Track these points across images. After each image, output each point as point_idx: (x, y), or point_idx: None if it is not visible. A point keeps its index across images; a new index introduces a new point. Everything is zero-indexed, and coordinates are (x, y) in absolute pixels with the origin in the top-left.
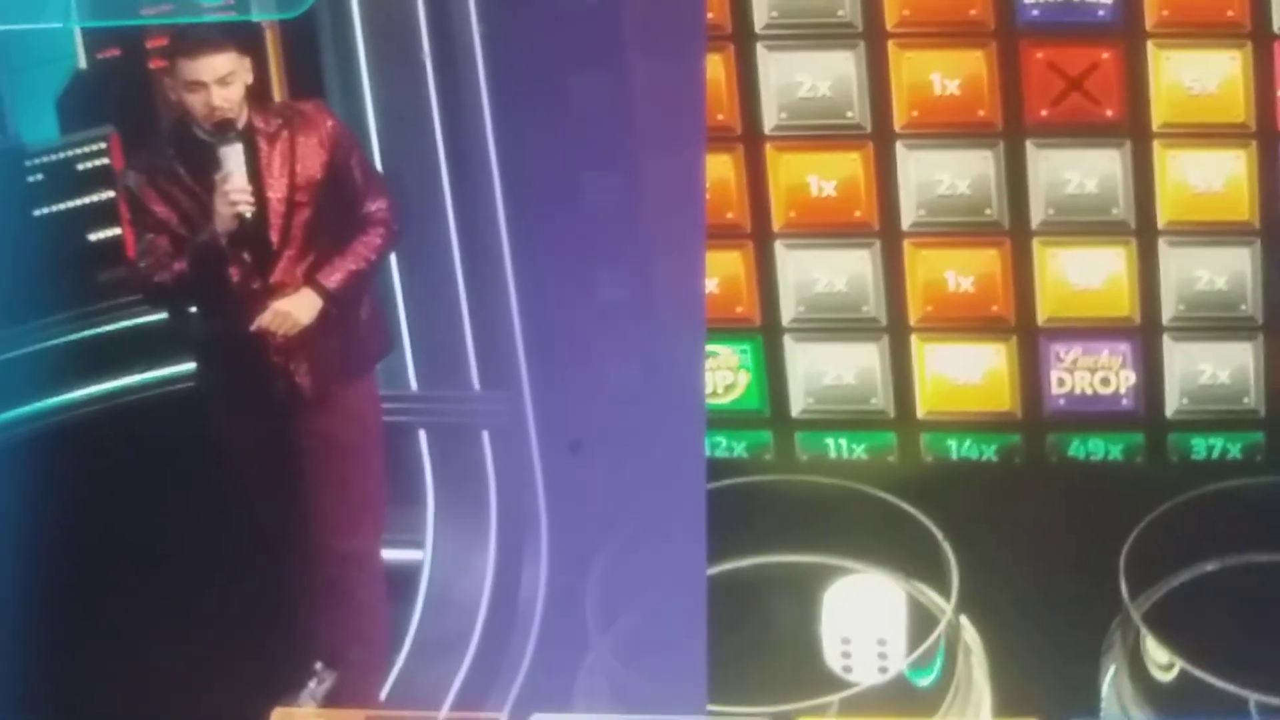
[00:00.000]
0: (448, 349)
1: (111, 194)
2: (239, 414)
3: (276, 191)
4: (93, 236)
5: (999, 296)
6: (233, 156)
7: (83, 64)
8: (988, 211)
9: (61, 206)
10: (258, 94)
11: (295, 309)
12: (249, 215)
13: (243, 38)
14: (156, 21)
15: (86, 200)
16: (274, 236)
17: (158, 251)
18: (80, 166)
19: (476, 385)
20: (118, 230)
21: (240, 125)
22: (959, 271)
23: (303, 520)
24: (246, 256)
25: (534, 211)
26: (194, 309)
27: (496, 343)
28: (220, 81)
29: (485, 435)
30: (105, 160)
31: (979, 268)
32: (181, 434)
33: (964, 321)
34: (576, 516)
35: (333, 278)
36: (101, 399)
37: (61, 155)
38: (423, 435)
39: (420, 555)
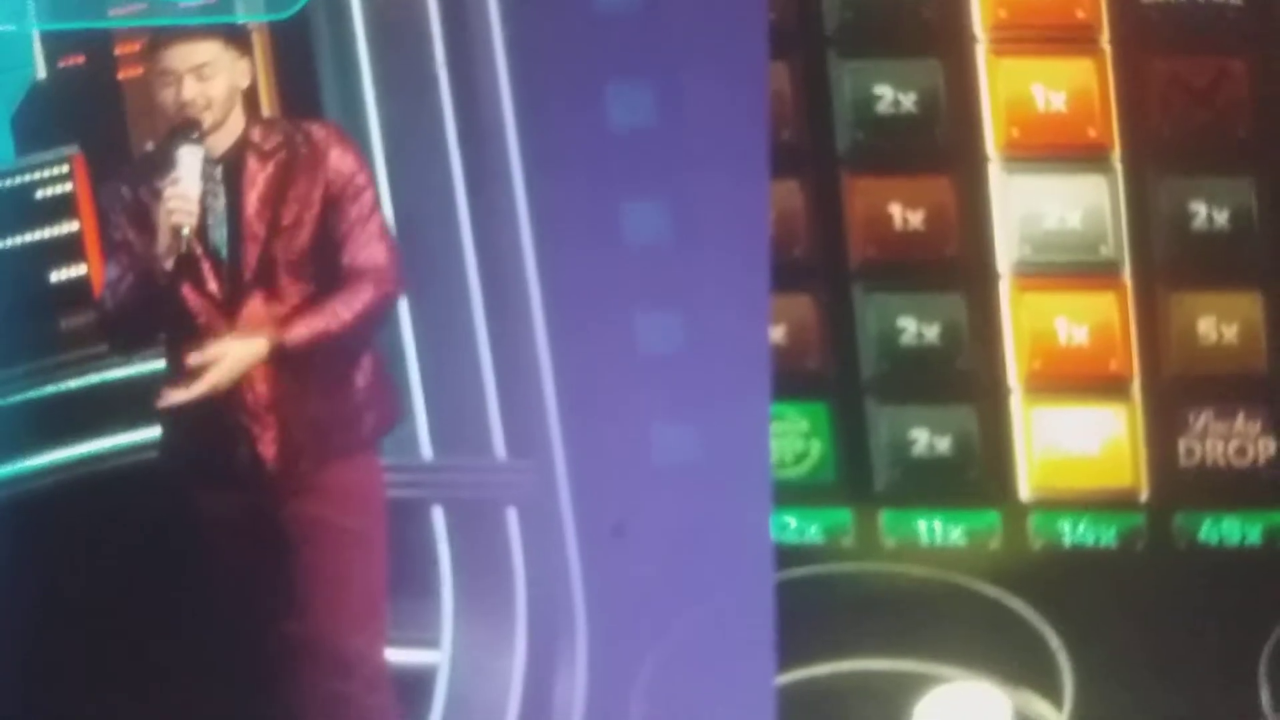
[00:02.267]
0: (466, 410)
1: (76, 226)
2: (208, 488)
3: (258, 218)
4: (54, 276)
5: (1117, 350)
6: (188, 160)
7: (42, 74)
8: (1102, 249)
9: (17, 241)
10: (253, 107)
11: (233, 355)
12: (187, 233)
13: (237, 32)
14: (126, 24)
15: (46, 233)
16: (247, 270)
17: (115, 277)
18: (39, 194)
19: (501, 454)
20: (83, 269)
21: (214, 133)
22: (1071, 319)
23: (290, 619)
24: (215, 289)
25: (567, 248)
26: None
27: (524, 403)
28: (195, 72)
29: (511, 512)
30: (68, 186)
31: (1094, 315)
32: (156, 512)
33: (1077, 380)
34: (620, 613)
35: (293, 332)
36: (62, 468)
37: (17, 180)
38: (438, 513)
39: (436, 657)
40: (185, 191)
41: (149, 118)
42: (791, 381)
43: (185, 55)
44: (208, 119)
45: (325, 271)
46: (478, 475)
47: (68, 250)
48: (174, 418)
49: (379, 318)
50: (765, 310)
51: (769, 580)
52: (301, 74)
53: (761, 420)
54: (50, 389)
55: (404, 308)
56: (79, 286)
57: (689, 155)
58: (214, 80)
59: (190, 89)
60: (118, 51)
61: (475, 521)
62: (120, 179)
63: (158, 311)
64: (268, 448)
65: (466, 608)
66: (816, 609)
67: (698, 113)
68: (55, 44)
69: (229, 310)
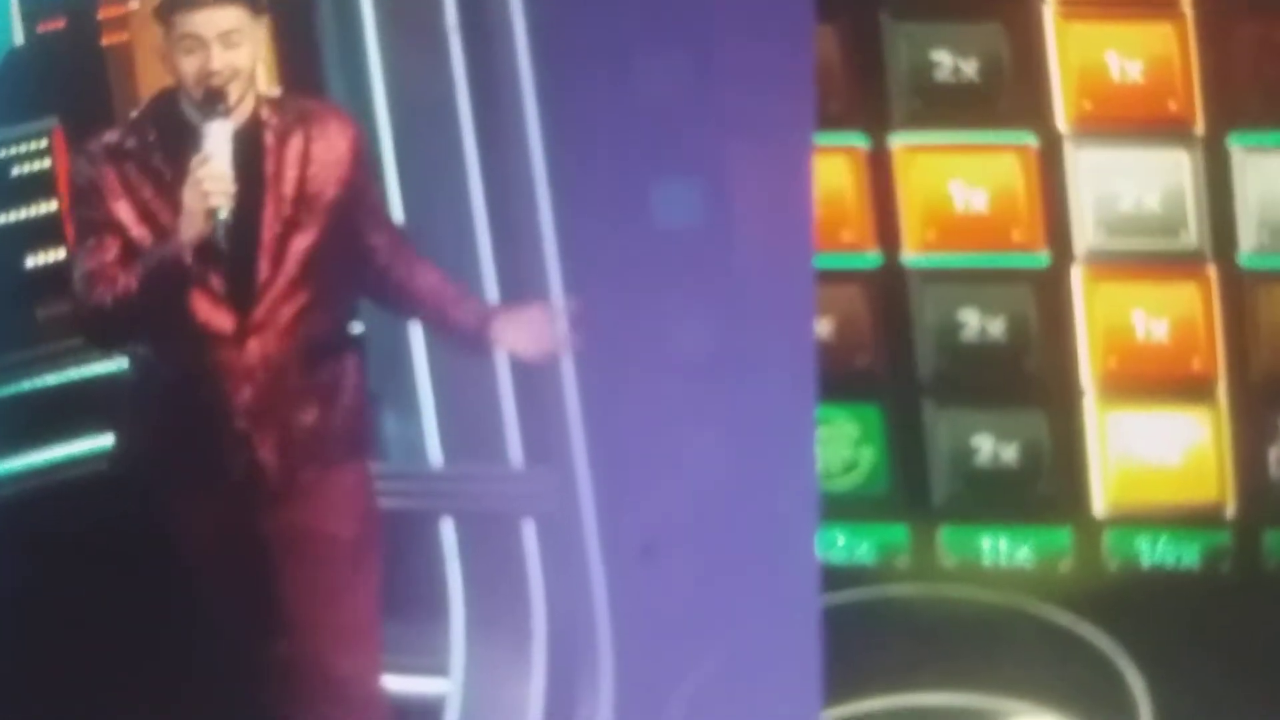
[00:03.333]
0: (479, 413)
1: (55, 206)
2: (191, 496)
3: (277, 204)
4: (30, 261)
5: (1200, 347)
6: (217, 135)
7: (19, 39)
8: (1183, 235)
9: None
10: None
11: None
12: (224, 216)
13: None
14: None
15: (23, 213)
16: (263, 262)
17: (102, 261)
18: (15, 170)
19: (517, 461)
20: (63, 253)
21: (237, 108)
22: (1150, 313)
23: (278, 638)
24: (218, 283)
25: (590, 234)
26: (139, 348)
27: (542, 405)
28: (223, 40)
29: (528, 526)
30: (47, 162)
31: (1174, 309)
32: (137, 521)
33: (1157, 381)
34: (648, 640)
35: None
36: (37, 472)
37: None
38: (447, 525)
39: (445, 686)
40: (219, 170)
41: (135, 85)
42: (839, 381)
43: (212, 20)
44: (234, 91)
45: (337, 262)
46: (491, 484)
47: (46, 232)
48: (157, 416)
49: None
50: (810, 302)
51: (815, 604)
52: (302, 38)
53: (806, 425)
54: (26, 385)
55: None
56: (58, 272)
57: (726, 129)
58: (241, 49)
59: (219, 58)
60: (101, 15)
61: (488, 535)
62: (101, 149)
63: (163, 308)
64: (268, 454)
65: (478, 631)
66: (867, 637)
67: (736, 81)
68: (34, 6)
69: (235, 310)
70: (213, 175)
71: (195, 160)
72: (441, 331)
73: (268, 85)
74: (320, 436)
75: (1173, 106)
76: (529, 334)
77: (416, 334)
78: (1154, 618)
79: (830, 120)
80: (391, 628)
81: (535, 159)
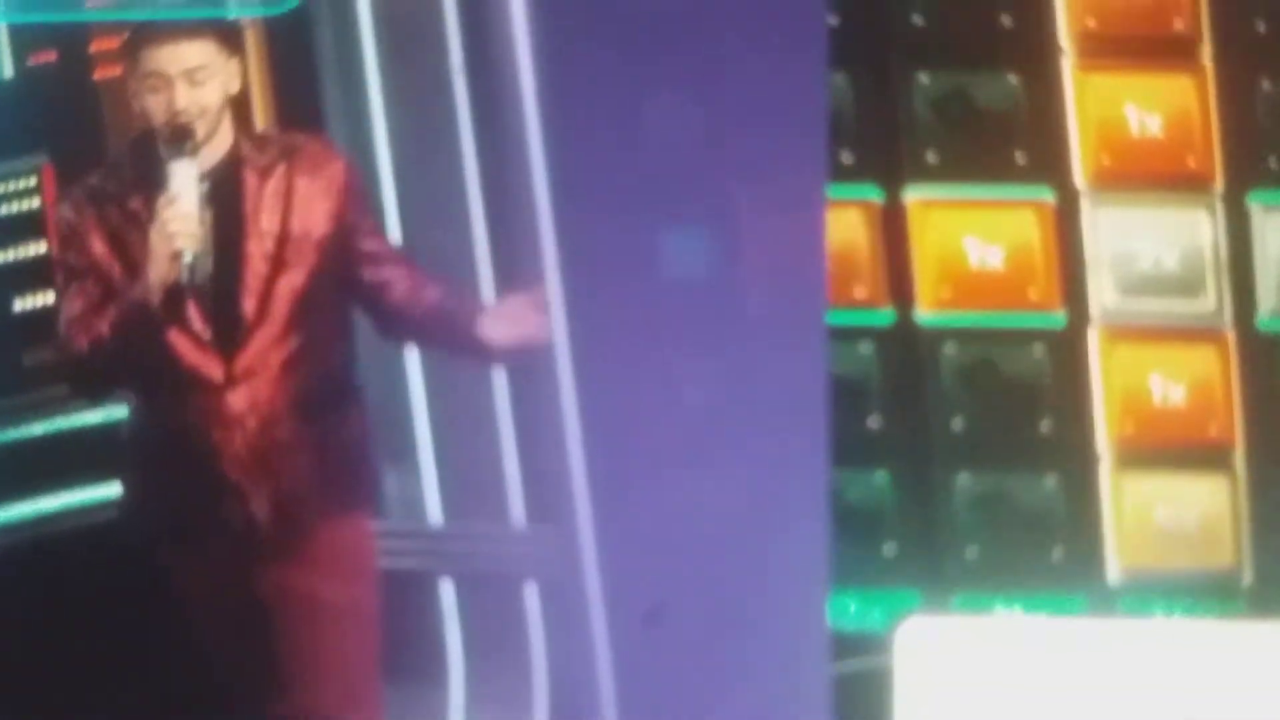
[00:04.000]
0: (480, 470)
1: (44, 248)
2: (186, 550)
3: (260, 244)
4: (18, 305)
5: (1218, 412)
6: (183, 175)
7: (8, 72)
8: (1201, 296)
9: None
10: (244, 117)
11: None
12: (189, 260)
13: (228, 30)
14: (106, 17)
15: (10, 255)
16: (247, 304)
17: (84, 308)
18: (2, 210)
19: (519, 520)
20: (52, 296)
21: (208, 144)
22: (1167, 376)
23: (274, 699)
24: (202, 328)
25: (597, 281)
26: (129, 396)
27: (545, 463)
28: (188, 77)
29: (530, 587)
30: (36, 201)
31: (1192, 372)
32: (127, 578)
33: (1174, 446)
34: (653, 706)
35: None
36: (22, 525)
37: None
38: (446, 586)
39: None
40: (185, 210)
41: (128, 123)
42: (850, 442)
43: (177, 57)
44: (201, 129)
45: (330, 303)
46: (492, 544)
47: (34, 275)
48: (151, 471)
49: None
50: (822, 359)
51: (825, 673)
52: (300, 78)
53: (817, 486)
54: (10, 435)
55: (413, 355)
56: (48, 317)
57: (736, 179)
58: (208, 86)
59: (184, 96)
60: (93, 49)
61: (489, 597)
62: (84, 192)
63: (137, 353)
64: (261, 507)
65: (479, 696)
66: (879, 706)
67: (746, 130)
68: (24, 39)
69: (222, 353)
70: (177, 216)
71: (161, 201)
72: (449, 352)
73: (262, 123)
74: (318, 489)
75: (1191, 163)
76: (514, 324)
77: (417, 388)
78: None
79: (843, 172)
80: (389, 691)
81: (541, 206)
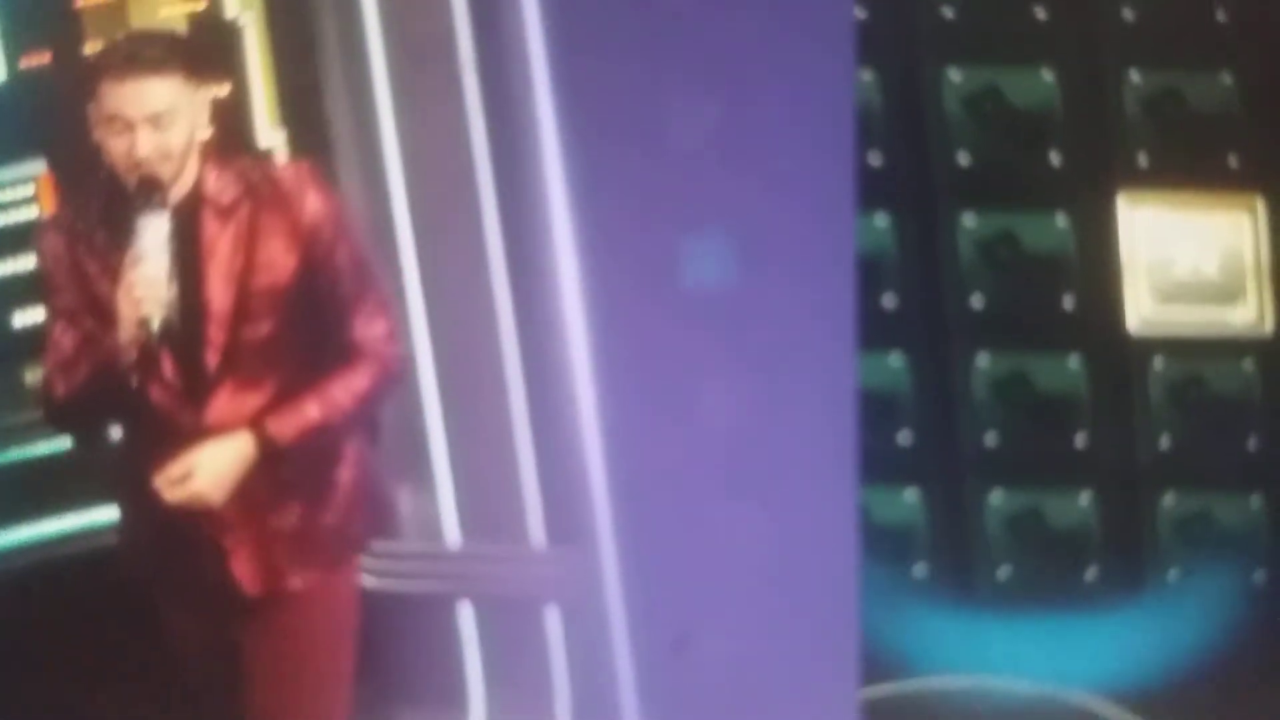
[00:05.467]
0: (499, 490)
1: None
2: (170, 597)
3: (221, 294)
4: (19, 320)
5: None
6: (152, 233)
7: (2, 75)
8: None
9: None
10: (228, 141)
11: (215, 462)
12: (155, 328)
13: (199, 62)
14: None
15: (7, 268)
16: (211, 357)
17: (62, 351)
18: (1, 219)
19: (539, 541)
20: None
21: (174, 187)
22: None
23: None
24: (172, 376)
25: (616, 293)
26: (115, 440)
27: (565, 483)
28: (152, 121)
29: (551, 611)
30: (34, 210)
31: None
32: (124, 606)
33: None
34: None
35: (285, 425)
36: (21, 550)
37: None
38: (465, 610)
39: None
40: (152, 274)
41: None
42: (880, 460)
43: (140, 99)
44: (166, 173)
45: (304, 351)
46: (511, 566)
47: (33, 288)
48: (135, 523)
49: (379, 402)
50: (851, 372)
51: (854, 698)
52: (304, 82)
53: (846, 505)
54: (10, 455)
55: (427, 370)
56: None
57: (762, 183)
58: (173, 129)
59: (146, 142)
60: (88, 49)
61: (509, 620)
62: (55, 227)
63: (113, 404)
64: (241, 566)
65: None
66: None
67: (770, 129)
68: (17, 41)
69: (193, 403)
70: (145, 281)
71: (128, 259)
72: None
73: (270, 125)
74: (304, 542)
75: None
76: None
77: (432, 404)
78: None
79: (872, 176)
80: (409, 716)
81: (558, 216)
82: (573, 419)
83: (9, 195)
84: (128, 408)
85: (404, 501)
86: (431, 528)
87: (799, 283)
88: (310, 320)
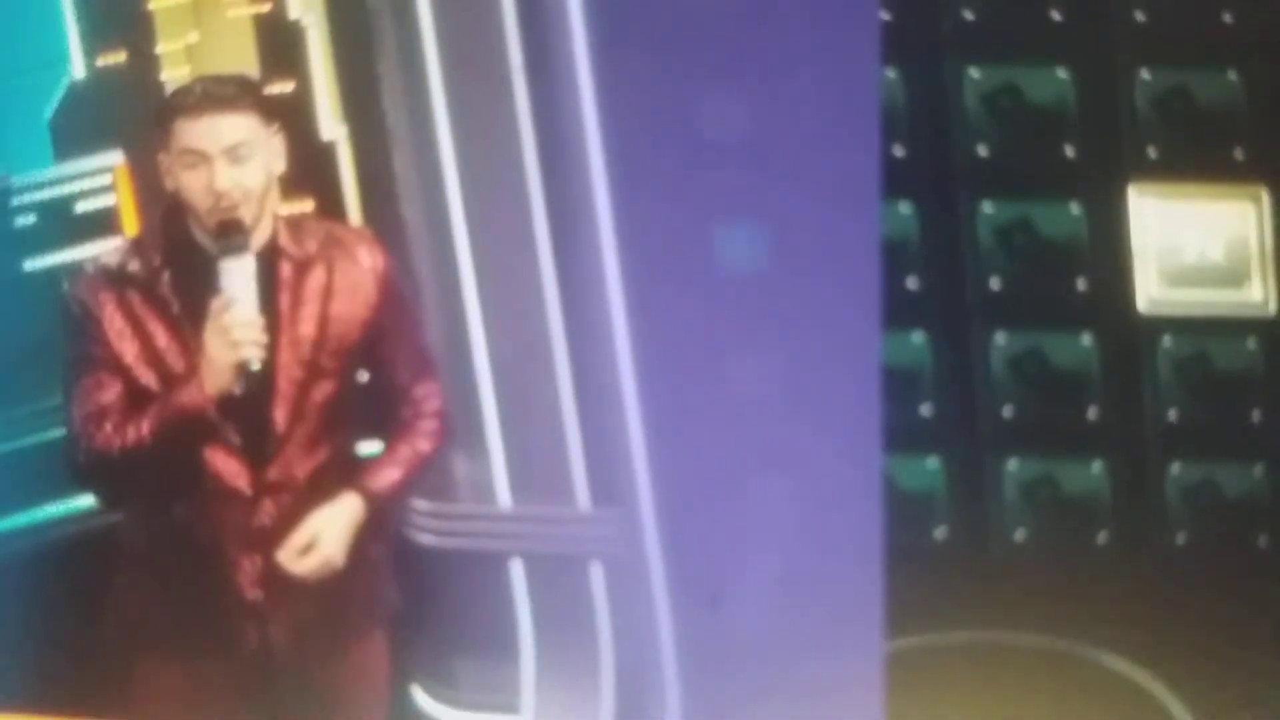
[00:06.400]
0: (547, 455)
1: (119, 239)
2: (188, 667)
3: (296, 349)
4: None
5: None
6: (240, 275)
7: (79, 72)
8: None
9: (53, 260)
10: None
11: (334, 532)
12: (257, 368)
13: (271, 102)
14: None
15: (86, 252)
16: (279, 414)
17: (104, 403)
18: (79, 208)
19: (584, 503)
20: None
21: (255, 234)
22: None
23: None
24: (235, 436)
25: (655, 276)
26: (139, 501)
27: (609, 448)
28: (229, 154)
29: (596, 567)
30: (111, 199)
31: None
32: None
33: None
34: (715, 681)
35: (382, 485)
36: (67, 521)
37: (55, 192)
38: (517, 566)
39: None
40: (247, 317)
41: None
42: (903, 430)
43: (216, 132)
44: (248, 216)
45: (359, 413)
46: (559, 526)
47: None
48: (155, 584)
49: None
50: (876, 348)
51: (879, 650)
52: (363, 79)
53: (871, 471)
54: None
55: (479, 341)
56: None
57: (791, 172)
58: (250, 164)
59: (224, 175)
60: (161, 49)
61: (557, 577)
62: (100, 274)
63: (174, 461)
64: (280, 630)
65: (548, 671)
66: (932, 682)
67: (802, 122)
68: (92, 40)
69: (254, 465)
70: (241, 324)
71: (216, 304)
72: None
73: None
74: (338, 608)
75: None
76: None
77: (484, 375)
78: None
79: (895, 165)
80: (465, 665)
81: (601, 204)
82: (615, 393)
83: (89, 184)
84: (181, 467)
85: (459, 466)
86: (485, 491)
87: (826, 266)
88: (370, 382)
